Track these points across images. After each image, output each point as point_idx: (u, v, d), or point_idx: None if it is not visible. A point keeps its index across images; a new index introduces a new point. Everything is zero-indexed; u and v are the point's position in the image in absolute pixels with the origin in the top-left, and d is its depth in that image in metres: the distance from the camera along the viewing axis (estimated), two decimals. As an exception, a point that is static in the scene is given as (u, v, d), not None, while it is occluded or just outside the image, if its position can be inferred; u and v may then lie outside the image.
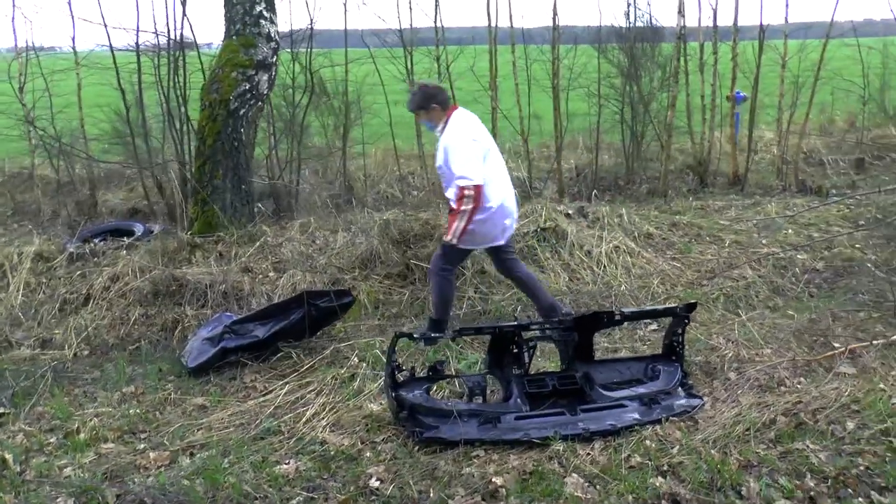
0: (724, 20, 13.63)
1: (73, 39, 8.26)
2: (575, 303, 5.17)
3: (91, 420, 3.73)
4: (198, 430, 3.60)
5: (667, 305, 3.75)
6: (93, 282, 5.55)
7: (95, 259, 6.08)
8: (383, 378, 3.49)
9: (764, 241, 6.26)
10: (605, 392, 3.63)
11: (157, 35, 7.17)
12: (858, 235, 6.19)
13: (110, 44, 7.35)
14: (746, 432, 3.21)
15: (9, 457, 3.23)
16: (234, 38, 6.18)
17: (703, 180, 8.51)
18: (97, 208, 8.14)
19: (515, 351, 3.68)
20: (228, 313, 4.75)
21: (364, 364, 4.13)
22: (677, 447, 3.19)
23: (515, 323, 3.59)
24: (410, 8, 8.63)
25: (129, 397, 4.08)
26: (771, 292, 5.40)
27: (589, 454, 3.21)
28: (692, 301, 3.92)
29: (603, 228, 6.30)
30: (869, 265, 5.65)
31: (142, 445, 3.44)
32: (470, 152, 4.17)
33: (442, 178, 4.46)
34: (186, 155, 7.01)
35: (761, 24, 8.32)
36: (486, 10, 8.22)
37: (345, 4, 8.42)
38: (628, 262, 5.83)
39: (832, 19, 8.20)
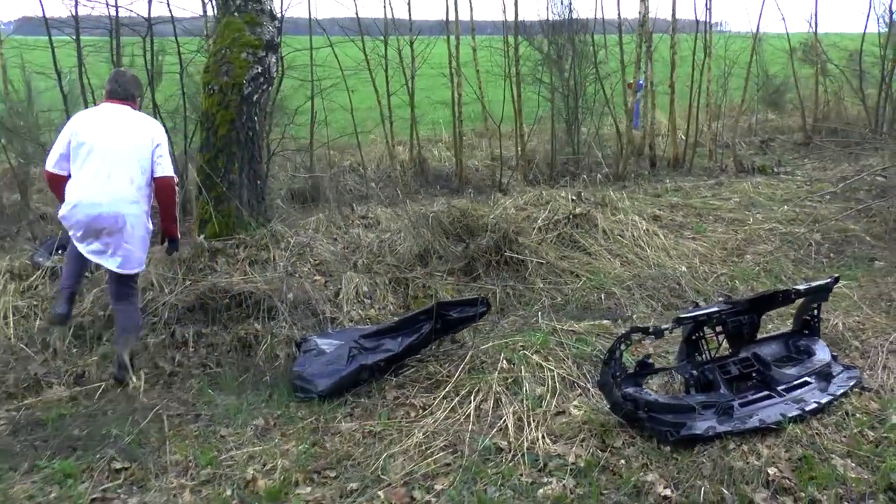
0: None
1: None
2: (649, 288, 5.19)
3: (250, 463, 3.12)
4: (396, 458, 3.13)
5: (820, 281, 3.88)
6: (108, 302, 4.64)
7: (87, 275, 5.08)
8: (600, 378, 3.26)
9: (760, 217, 6.70)
10: (784, 371, 3.68)
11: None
12: (833, 209, 6.84)
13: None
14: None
15: (263, 482, 2.63)
16: (235, 14, 5.42)
17: (654, 164, 8.93)
18: (28, 213, 6.78)
19: (694, 338, 3.62)
20: (351, 328, 4.20)
21: (513, 366, 3.84)
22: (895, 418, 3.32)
23: (722, 307, 3.52)
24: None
25: (265, 431, 3.46)
26: (794, 264, 5.81)
27: (819, 433, 3.24)
28: (836, 276, 4.08)
29: (616, 213, 6.40)
30: (862, 234, 6.26)
31: (351, 485, 2.93)
32: (59, 141, 4.03)
33: None
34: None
35: (696, 20, 8.86)
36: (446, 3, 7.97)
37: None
38: (660, 243, 5.97)
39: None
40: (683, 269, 5.51)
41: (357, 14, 7.82)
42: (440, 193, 8.13)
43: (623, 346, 3.22)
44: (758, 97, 10.87)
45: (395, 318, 4.30)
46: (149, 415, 3.59)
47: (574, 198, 6.66)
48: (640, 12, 8.56)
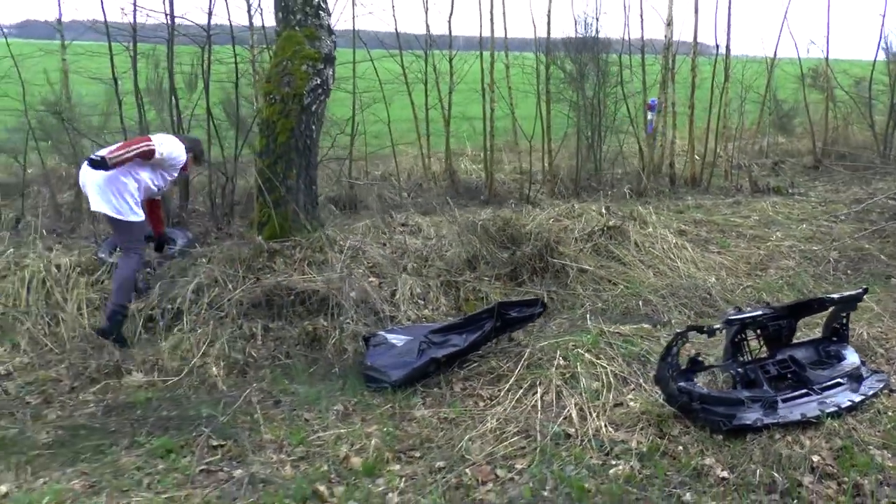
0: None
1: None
2: (682, 297, 5.51)
3: (339, 443, 3.42)
4: (474, 441, 3.43)
5: (851, 291, 4.21)
6: (176, 295, 4.94)
7: (148, 270, 5.39)
8: (657, 373, 3.57)
9: (780, 235, 7.04)
10: (818, 373, 4.00)
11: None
12: (848, 229, 7.19)
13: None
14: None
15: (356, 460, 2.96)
16: (296, 28, 5.75)
17: (673, 182, 9.28)
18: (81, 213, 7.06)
19: (738, 340, 3.95)
20: (422, 325, 4.51)
21: (569, 363, 4.15)
22: (923, 415, 3.64)
23: (765, 312, 3.84)
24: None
25: (345, 416, 3.76)
26: (814, 279, 6.14)
27: (854, 428, 3.55)
28: (865, 287, 4.41)
29: (646, 226, 6.73)
30: (877, 253, 6.60)
31: (438, 463, 3.23)
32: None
33: None
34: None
35: (716, 44, 9.26)
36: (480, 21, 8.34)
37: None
38: (688, 256, 6.30)
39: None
40: (713, 280, 5.83)
41: (396, 29, 8.17)
42: (470, 204, 8.45)
43: (679, 344, 3.53)
44: (769, 121, 11.25)
45: (460, 317, 4.60)
46: (237, 399, 3.87)
47: (604, 211, 7.01)
48: (665, 36, 8.95)
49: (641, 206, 7.48)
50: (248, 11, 7.30)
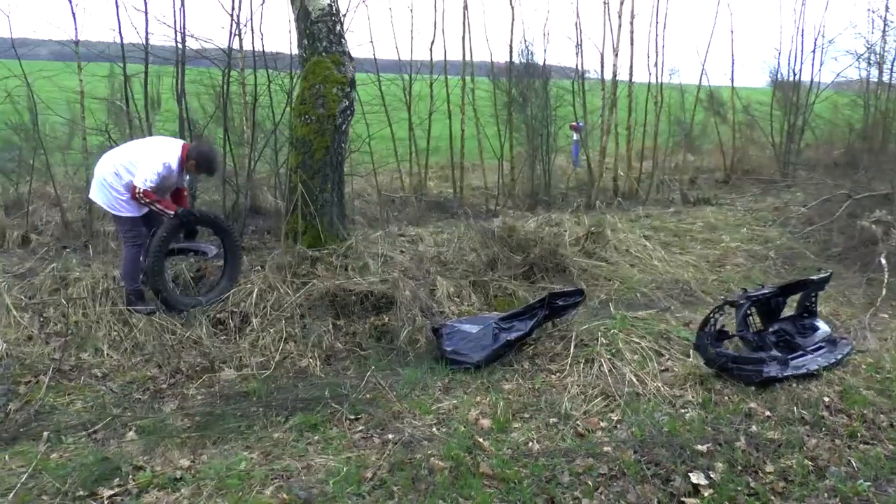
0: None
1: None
2: (667, 289, 6.48)
3: (458, 411, 4.05)
4: (567, 403, 4.15)
5: (822, 274, 5.30)
6: (239, 301, 5.36)
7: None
8: (697, 340, 4.45)
9: (727, 238, 8.24)
10: (804, 340, 5.02)
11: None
12: (775, 233, 8.51)
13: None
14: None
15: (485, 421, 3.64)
16: (323, 55, 6.31)
17: (616, 194, 10.42)
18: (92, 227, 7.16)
19: (747, 314, 4.91)
20: (485, 315, 5.15)
21: (610, 342, 4.95)
22: (888, 366, 4.71)
23: (770, 290, 4.82)
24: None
25: (448, 390, 4.38)
26: (763, 273, 7.32)
27: (843, 378, 4.57)
28: (830, 271, 5.52)
29: (616, 233, 7.72)
30: (804, 251, 7.91)
31: (552, 419, 3.93)
32: None
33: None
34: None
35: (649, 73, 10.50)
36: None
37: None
38: (660, 256, 7.33)
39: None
40: (687, 275, 6.86)
41: (374, 56, 8.81)
42: (442, 218, 9.16)
43: (717, 316, 4.42)
44: (682, 142, 12.73)
45: (520, 307, 5.29)
46: (342, 384, 4.40)
47: (577, 221, 7.95)
48: (613, 64, 10.12)
49: (608, 216, 8.49)
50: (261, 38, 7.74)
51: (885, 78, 12.83)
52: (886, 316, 5.77)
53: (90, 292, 5.24)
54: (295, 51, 7.01)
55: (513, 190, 9.89)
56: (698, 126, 13.79)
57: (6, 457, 3.57)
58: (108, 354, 4.84)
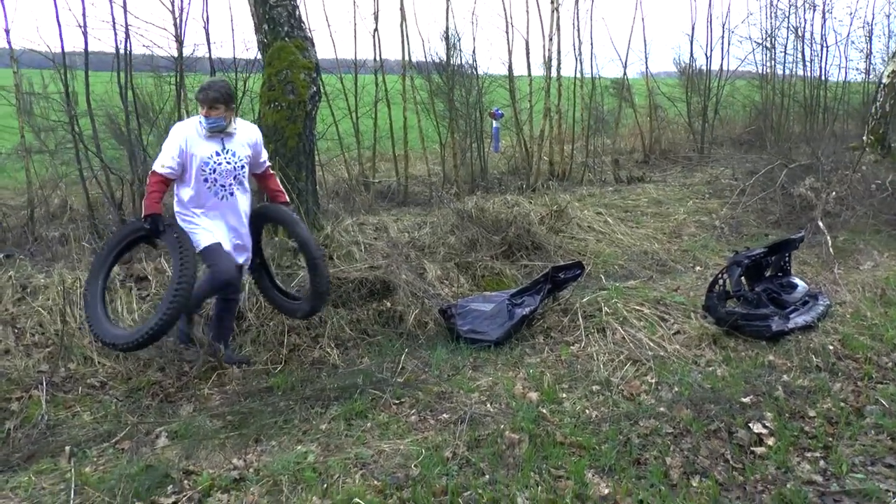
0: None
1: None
2: (638, 260, 6.69)
3: (499, 385, 4.01)
4: (601, 370, 4.20)
5: (799, 234, 5.64)
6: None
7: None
8: (707, 301, 4.63)
9: (673, 211, 8.60)
10: (789, 297, 5.32)
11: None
12: (714, 204, 8.97)
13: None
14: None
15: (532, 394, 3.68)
16: (286, 39, 6.05)
17: (554, 176, 10.64)
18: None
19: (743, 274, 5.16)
20: (492, 294, 5.10)
21: (614, 311, 5.05)
22: (869, 314, 5.08)
23: (761, 251, 5.07)
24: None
25: (478, 367, 4.34)
26: (716, 240, 7.70)
27: (836, 328, 4.88)
28: (804, 232, 5.87)
29: (575, 210, 7.89)
30: (747, 219, 8.39)
31: (594, 387, 3.97)
32: None
33: (243, 168, 4.48)
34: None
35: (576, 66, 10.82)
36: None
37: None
38: (620, 230, 7.56)
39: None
40: (654, 247, 7.12)
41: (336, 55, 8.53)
42: (388, 206, 9.03)
43: (725, 277, 4.61)
44: (598, 126, 13.19)
45: (526, 283, 5.31)
46: (372, 371, 4.26)
47: (530, 200, 8.06)
48: (548, 49, 10.31)
49: (560, 195, 8.66)
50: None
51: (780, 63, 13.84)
52: (842, 271, 6.20)
53: (63, 299, 4.78)
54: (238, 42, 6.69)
55: (456, 176, 9.87)
56: (610, 112, 14.31)
57: (31, 476, 3.20)
58: (99, 362, 4.44)
